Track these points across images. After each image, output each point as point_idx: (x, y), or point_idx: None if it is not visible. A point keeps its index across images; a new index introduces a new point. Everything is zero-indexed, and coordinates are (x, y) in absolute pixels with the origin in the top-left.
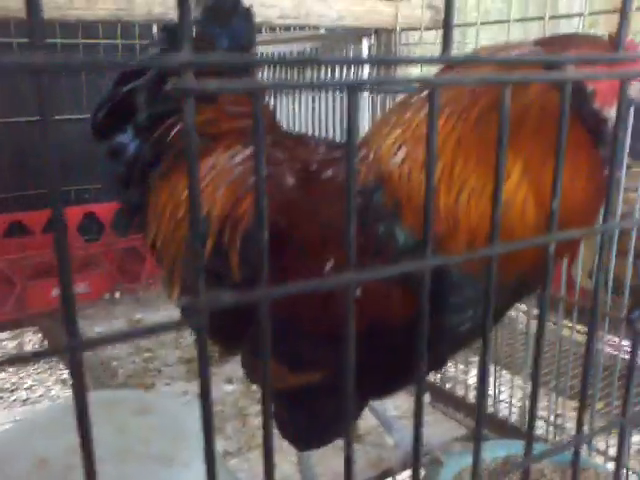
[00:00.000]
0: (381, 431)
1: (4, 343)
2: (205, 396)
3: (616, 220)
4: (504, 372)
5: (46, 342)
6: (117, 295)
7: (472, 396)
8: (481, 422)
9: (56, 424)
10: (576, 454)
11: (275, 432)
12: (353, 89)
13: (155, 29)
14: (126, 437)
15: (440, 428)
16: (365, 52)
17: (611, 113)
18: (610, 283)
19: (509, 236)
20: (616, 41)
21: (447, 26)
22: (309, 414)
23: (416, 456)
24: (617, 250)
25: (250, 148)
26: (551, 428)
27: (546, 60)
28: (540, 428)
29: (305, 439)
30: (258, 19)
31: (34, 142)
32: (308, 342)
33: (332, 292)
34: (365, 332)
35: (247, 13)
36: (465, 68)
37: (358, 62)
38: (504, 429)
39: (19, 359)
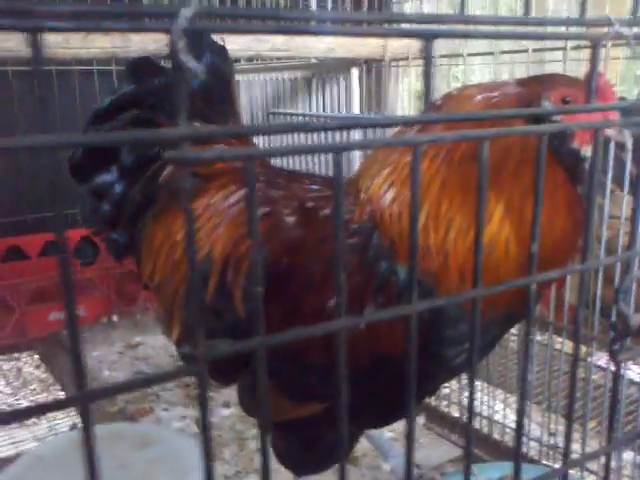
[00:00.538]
0: (377, 454)
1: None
2: (206, 441)
3: (596, 259)
4: (498, 392)
5: (43, 366)
6: (115, 318)
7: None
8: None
9: (61, 459)
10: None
11: (273, 455)
12: (339, 151)
13: None
14: (128, 472)
15: (435, 450)
16: (355, 81)
17: (588, 152)
18: (598, 306)
19: (495, 273)
20: (588, 90)
21: (427, 90)
22: (308, 444)
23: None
24: (604, 277)
25: (243, 188)
26: (544, 448)
27: (525, 113)
28: (533, 449)
29: (303, 467)
30: (250, 52)
31: (30, 167)
32: (313, 375)
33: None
34: (369, 365)
35: (221, 49)
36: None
37: (348, 126)
38: (499, 450)
39: (27, 413)
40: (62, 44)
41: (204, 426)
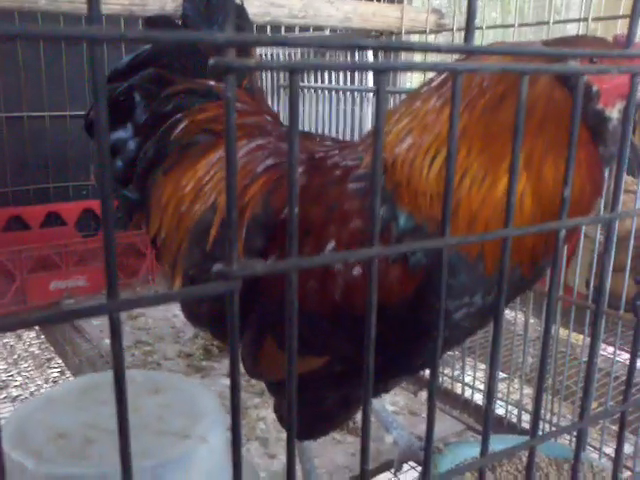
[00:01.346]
0: (379, 426)
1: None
2: (234, 365)
3: (627, 211)
4: (501, 374)
5: (43, 336)
6: None
7: (468, 394)
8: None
9: (72, 400)
10: (531, 454)
11: (276, 422)
12: (381, 72)
13: None
14: (141, 415)
15: (439, 424)
16: (370, 56)
17: (613, 114)
18: (606, 296)
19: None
20: (626, 39)
21: (470, 17)
22: (311, 405)
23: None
24: (613, 266)
25: (254, 141)
26: (547, 426)
27: (560, 53)
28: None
29: (306, 430)
30: (267, 18)
31: (35, 137)
32: (308, 322)
33: (331, 272)
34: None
35: (241, 9)
36: (480, 60)
37: (390, 48)
38: (500, 426)
39: (50, 318)
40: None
41: (233, 353)
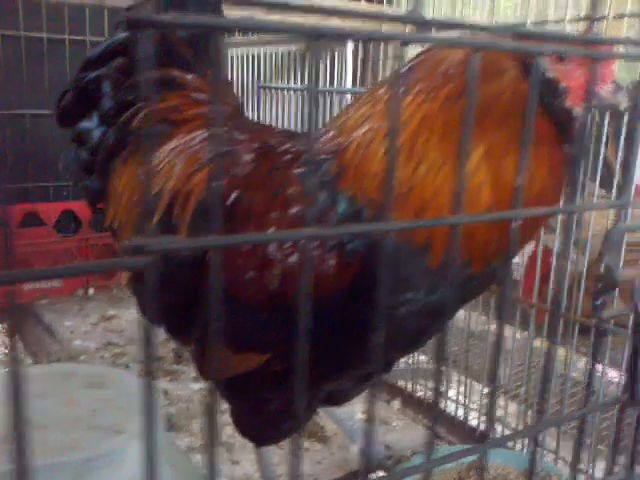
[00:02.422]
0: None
1: None
2: (148, 343)
3: (587, 202)
4: (475, 384)
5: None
6: (91, 292)
7: (443, 405)
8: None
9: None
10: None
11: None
12: (316, 37)
13: None
14: (75, 408)
15: (409, 433)
16: (349, 54)
17: (580, 112)
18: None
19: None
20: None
21: None
22: (254, 409)
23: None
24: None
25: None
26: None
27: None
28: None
29: (255, 435)
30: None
31: (53, 136)
32: (249, 314)
33: (268, 261)
34: (280, 309)
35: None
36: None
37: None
38: (472, 437)
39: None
40: None
41: (146, 332)
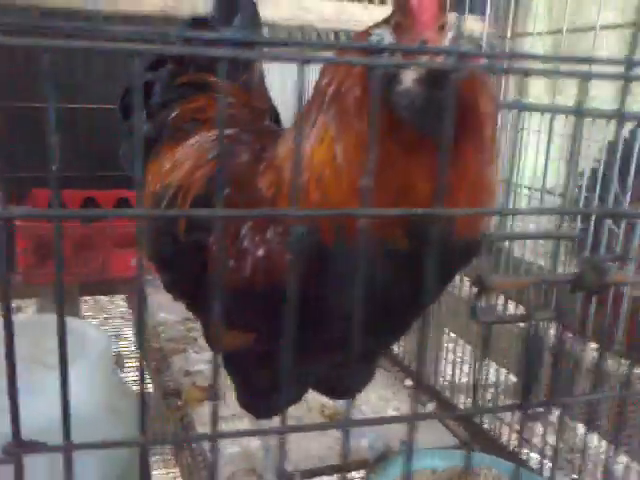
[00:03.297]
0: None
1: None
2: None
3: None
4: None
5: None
6: None
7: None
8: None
9: None
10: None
11: None
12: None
13: None
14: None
15: (430, 434)
16: None
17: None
18: None
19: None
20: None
21: None
22: (248, 382)
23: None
24: None
25: (227, 131)
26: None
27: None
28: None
29: (252, 407)
30: (296, 21)
31: (107, 128)
32: (230, 296)
33: (243, 250)
34: (261, 294)
35: (254, 14)
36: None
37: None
38: (498, 448)
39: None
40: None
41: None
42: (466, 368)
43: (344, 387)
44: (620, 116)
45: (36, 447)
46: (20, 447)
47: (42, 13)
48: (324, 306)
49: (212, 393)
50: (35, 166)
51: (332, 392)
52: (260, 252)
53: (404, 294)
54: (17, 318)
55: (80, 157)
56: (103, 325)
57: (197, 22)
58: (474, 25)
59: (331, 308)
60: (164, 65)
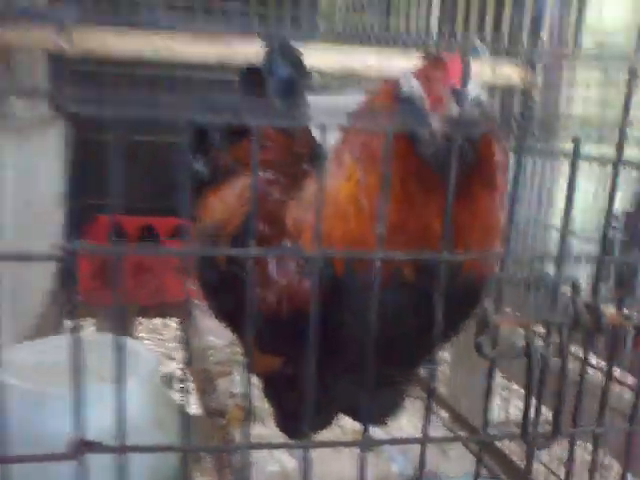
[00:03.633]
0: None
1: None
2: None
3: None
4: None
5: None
6: None
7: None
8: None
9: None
10: None
11: None
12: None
13: None
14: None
15: (455, 461)
16: None
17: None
18: None
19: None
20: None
21: None
22: (280, 403)
23: None
24: None
25: (265, 173)
26: None
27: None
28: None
29: (284, 428)
30: (342, 69)
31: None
32: (260, 321)
33: (268, 280)
34: (286, 321)
35: (299, 64)
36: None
37: None
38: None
39: None
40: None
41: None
42: (498, 400)
43: (370, 412)
44: None
45: (96, 447)
46: (83, 446)
47: None
48: (339, 332)
49: (247, 412)
50: (100, 194)
51: (360, 417)
52: (283, 281)
53: (411, 326)
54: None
55: (142, 186)
56: (157, 347)
57: (251, 71)
58: (511, 72)
59: (345, 335)
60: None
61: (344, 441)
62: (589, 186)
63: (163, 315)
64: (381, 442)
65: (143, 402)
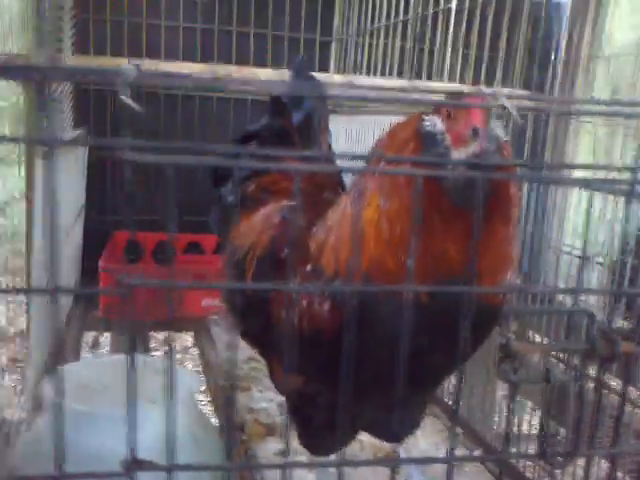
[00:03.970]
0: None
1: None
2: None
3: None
4: None
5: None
6: None
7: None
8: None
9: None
10: None
11: None
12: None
13: None
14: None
15: (471, 478)
16: None
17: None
18: None
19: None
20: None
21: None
22: (304, 422)
23: None
24: None
25: (290, 202)
26: None
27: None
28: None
29: (308, 445)
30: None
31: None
32: (283, 342)
33: (293, 302)
34: (307, 341)
35: (320, 98)
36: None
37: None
38: None
39: None
40: None
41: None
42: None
43: (388, 430)
44: None
45: (147, 465)
46: (135, 464)
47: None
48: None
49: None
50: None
51: (379, 434)
52: (304, 302)
53: (424, 346)
54: (115, 357)
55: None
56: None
57: (276, 101)
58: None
59: (362, 354)
60: (250, 142)
61: (376, 459)
62: (597, 203)
63: (178, 329)
64: (409, 461)
65: (182, 421)
